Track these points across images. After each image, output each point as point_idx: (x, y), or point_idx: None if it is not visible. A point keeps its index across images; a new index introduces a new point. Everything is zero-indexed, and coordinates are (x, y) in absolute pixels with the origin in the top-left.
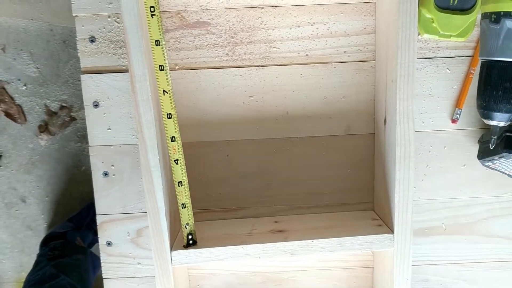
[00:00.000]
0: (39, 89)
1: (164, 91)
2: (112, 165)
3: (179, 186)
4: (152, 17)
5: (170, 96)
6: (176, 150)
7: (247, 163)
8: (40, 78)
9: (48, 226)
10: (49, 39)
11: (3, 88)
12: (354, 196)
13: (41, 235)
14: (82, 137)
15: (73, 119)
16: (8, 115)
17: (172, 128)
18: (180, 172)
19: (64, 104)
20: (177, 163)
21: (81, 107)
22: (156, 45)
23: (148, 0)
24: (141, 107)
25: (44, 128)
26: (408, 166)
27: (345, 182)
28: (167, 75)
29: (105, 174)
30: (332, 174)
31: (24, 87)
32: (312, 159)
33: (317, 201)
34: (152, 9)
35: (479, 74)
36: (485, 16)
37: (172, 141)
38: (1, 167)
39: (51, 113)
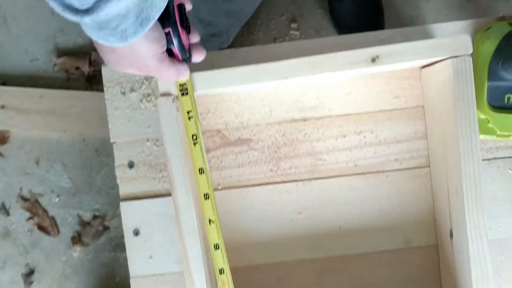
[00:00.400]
0: (72, 199)
1: (210, 220)
2: None
3: None
4: (195, 145)
5: (216, 226)
6: (226, 283)
7: (299, 286)
8: (73, 189)
9: None
10: (82, 149)
11: (37, 202)
12: None
13: None
14: (116, 246)
15: (106, 228)
16: (41, 228)
17: (220, 259)
18: None
19: (97, 214)
20: None
21: (114, 215)
22: (200, 173)
23: (190, 128)
24: (187, 239)
25: (77, 239)
26: (488, 285)
27: None
28: (212, 204)
29: None
30: None
31: (57, 199)
32: (371, 277)
33: None
34: (194, 137)
35: None
36: None
37: (221, 273)
38: (34, 283)
39: (84, 224)
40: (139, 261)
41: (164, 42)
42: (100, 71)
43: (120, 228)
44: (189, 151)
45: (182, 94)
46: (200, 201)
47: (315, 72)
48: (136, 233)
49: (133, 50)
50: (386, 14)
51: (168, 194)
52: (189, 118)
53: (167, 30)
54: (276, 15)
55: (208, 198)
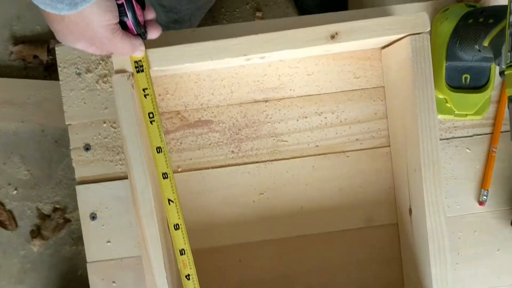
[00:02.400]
0: (30, 192)
1: (169, 200)
2: (113, 282)
3: None
4: (152, 124)
5: (176, 205)
6: (187, 265)
7: (262, 267)
8: (31, 181)
9: None
10: (41, 140)
11: None
12: None
13: None
14: (78, 239)
15: (67, 220)
16: None
17: (181, 240)
18: None
19: (57, 206)
20: (188, 279)
21: (75, 208)
22: (158, 152)
23: (146, 106)
24: (145, 220)
25: (36, 233)
26: (445, 261)
27: (372, 279)
28: (171, 183)
29: None
30: (357, 272)
31: (15, 192)
32: (333, 256)
33: None
34: (151, 115)
35: None
36: None
37: (181, 254)
38: None
39: (44, 217)
40: (97, 246)
41: (117, 13)
42: None
43: None
44: (146, 130)
45: (138, 71)
46: (159, 181)
47: (275, 49)
48: (93, 217)
49: (84, 19)
50: (349, 3)
51: (126, 177)
52: (145, 96)
53: (120, 1)
54: (241, 3)
55: (167, 177)
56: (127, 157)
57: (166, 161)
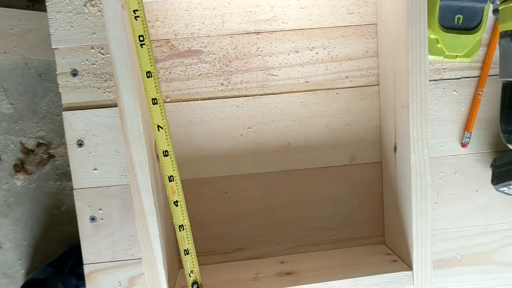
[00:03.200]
0: (14, 126)
1: (159, 126)
2: (100, 209)
3: (180, 230)
4: (142, 47)
5: (166, 132)
6: (176, 191)
7: (247, 199)
8: (14, 115)
9: (27, 272)
10: (24, 73)
11: None
12: (363, 229)
13: (19, 282)
14: (62, 175)
15: (51, 156)
16: None
17: (169, 166)
18: (181, 215)
19: (41, 141)
20: (177, 205)
21: (60, 144)
22: (148, 77)
23: (137, 29)
24: (133, 145)
25: (20, 167)
26: (425, 197)
27: (353, 214)
28: (161, 109)
29: (92, 219)
30: (338, 207)
31: None
32: (316, 192)
33: (324, 237)
34: (141, 38)
35: (501, 97)
36: (505, 34)
37: (170, 181)
38: None
39: (27, 151)
40: (83, 173)
41: None
42: None
43: (66, 157)
44: (135, 54)
45: None
46: (148, 106)
47: None
48: (80, 144)
49: None
50: None
51: (114, 105)
52: (135, 18)
53: None
54: None
55: (157, 103)
56: (116, 80)
57: (155, 86)
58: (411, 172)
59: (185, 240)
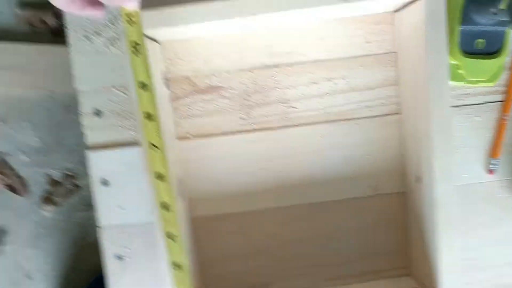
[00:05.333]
0: (41, 159)
1: (153, 145)
2: (126, 247)
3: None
4: (138, 56)
5: (162, 153)
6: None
7: (268, 234)
8: (42, 148)
9: None
10: (50, 106)
11: (4, 161)
12: (388, 261)
13: None
14: (89, 206)
15: (78, 187)
16: (10, 188)
17: (165, 193)
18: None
19: (68, 173)
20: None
21: (86, 174)
22: (143, 89)
23: (131, 35)
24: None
25: (48, 199)
26: (452, 227)
27: (377, 246)
28: (157, 128)
29: (119, 257)
30: (362, 239)
31: (26, 158)
32: (339, 224)
33: (349, 270)
34: (138, 47)
35: None
36: None
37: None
38: (6, 244)
39: (55, 183)
40: (108, 211)
41: None
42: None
43: None
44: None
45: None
46: (143, 123)
47: (286, 8)
48: (105, 183)
49: None
50: None
51: (137, 143)
52: (129, 23)
53: None
54: None
55: (154, 120)
56: (137, 120)
57: (152, 100)
58: (436, 203)
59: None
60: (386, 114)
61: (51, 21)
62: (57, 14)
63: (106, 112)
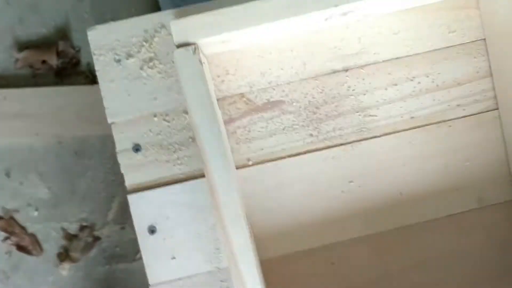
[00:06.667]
0: (53, 211)
1: None
2: None
3: None
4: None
5: None
6: None
7: (359, 268)
8: (53, 199)
9: None
10: (59, 153)
11: (12, 218)
12: (505, 285)
13: None
14: (110, 257)
15: (97, 238)
16: (20, 248)
17: None
18: None
19: (84, 224)
20: None
21: (105, 223)
22: None
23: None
24: (231, 227)
25: (64, 256)
26: None
27: (490, 268)
28: None
29: None
30: (471, 262)
31: (36, 213)
32: (442, 247)
33: None
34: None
35: None
36: None
37: None
38: None
39: (71, 237)
40: (159, 264)
41: None
42: (70, 63)
43: (113, 237)
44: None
45: None
46: None
47: None
48: (152, 230)
49: None
50: None
51: (186, 179)
52: None
53: None
54: None
55: None
56: (202, 150)
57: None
58: None
59: None
60: (482, 112)
61: (53, 60)
62: (59, 53)
63: (147, 146)
